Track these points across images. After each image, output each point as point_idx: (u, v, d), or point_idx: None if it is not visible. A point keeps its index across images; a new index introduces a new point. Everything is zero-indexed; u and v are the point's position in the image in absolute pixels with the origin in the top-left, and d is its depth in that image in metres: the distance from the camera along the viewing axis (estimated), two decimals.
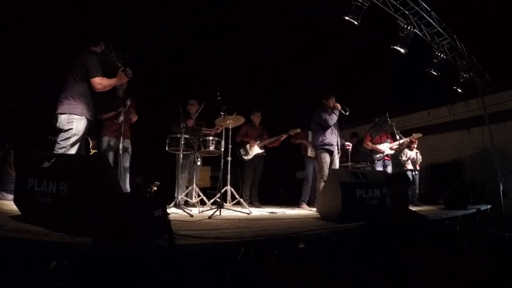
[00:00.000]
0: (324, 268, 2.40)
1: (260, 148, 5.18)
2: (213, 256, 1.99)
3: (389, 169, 5.64)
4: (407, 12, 5.35)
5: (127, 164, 3.81)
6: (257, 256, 2.34)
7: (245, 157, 5.12)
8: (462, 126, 9.40)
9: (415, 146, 5.93)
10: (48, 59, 5.74)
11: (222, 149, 4.06)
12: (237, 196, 4.14)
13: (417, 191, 6.01)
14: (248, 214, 3.59)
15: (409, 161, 5.81)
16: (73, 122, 2.74)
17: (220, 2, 8.50)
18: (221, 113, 4.00)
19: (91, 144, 6.07)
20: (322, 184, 4.13)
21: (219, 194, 3.64)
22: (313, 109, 4.80)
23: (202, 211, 3.46)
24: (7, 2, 5.65)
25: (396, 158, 5.90)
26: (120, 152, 3.43)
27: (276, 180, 10.54)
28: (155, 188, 6.60)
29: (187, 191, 4.34)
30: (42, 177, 1.89)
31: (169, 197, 4.45)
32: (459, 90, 7.02)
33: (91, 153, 5.89)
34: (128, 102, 3.50)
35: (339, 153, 4.72)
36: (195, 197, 4.31)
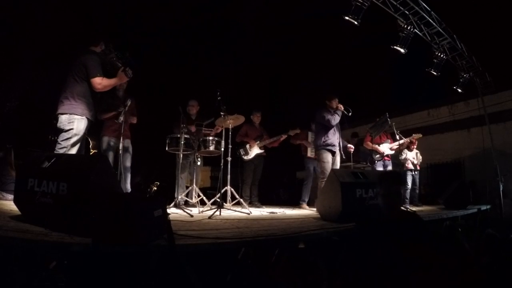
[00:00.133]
0: (324, 268, 2.40)
1: (260, 148, 5.19)
2: (213, 256, 1.99)
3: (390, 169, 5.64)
4: (407, 12, 5.36)
5: (128, 163, 3.81)
6: (257, 256, 2.33)
7: (245, 157, 5.13)
8: (462, 126, 9.38)
9: (415, 147, 5.94)
10: (48, 59, 5.73)
11: (222, 149, 4.07)
12: (237, 196, 4.14)
13: (417, 191, 6.02)
14: (248, 214, 3.59)
15: (409, 160, 5.81)
16: (74, 122, 2.75)
17: (220, 2, 8.49)
18: (221, 113, 4.01)
19: (91, 144, 6.08)
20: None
21: (219, 194, 3.64)
22: (314, 109, 4.81)
23: (202, 211, 3.47)
24: (7, 2, 5.64)
25: (396, 158, 5.90)
26: (120, 152, 3.42)
27: (276, 180, 10.52)
28: (155, 188, 6.60)
29: (187, 191, 4.35)
30: (42, 177, 1.89)
31: (169, 197, 4.45)
32: (459, 90, 7.03)
33: (91, 153, 5.90)
34: (129, 102, 3.50)
35: (344, 158, 4.73)
36: (195, 197, 4.31)
